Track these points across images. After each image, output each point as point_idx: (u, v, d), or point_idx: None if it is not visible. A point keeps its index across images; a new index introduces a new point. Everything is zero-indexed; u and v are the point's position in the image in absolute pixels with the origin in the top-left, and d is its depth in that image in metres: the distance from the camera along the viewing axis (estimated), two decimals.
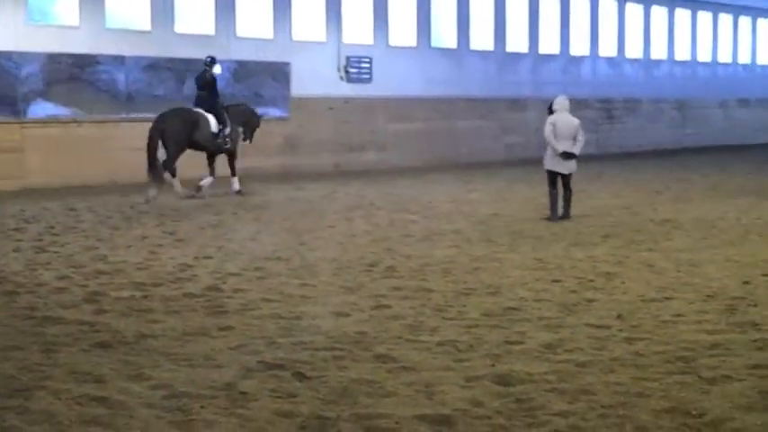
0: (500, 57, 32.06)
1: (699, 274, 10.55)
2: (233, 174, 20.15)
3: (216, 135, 19.46)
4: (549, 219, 15.34)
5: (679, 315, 8.46)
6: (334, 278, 10.44)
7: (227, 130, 19.65)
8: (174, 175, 18.89)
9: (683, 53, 39.45)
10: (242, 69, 25.11)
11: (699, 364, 6.79)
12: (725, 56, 41.68)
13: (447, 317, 8.49)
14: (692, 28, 39.77)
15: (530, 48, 33.01)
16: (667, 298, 9.25)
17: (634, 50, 37.16)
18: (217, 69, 19.88)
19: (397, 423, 5.60)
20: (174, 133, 18.79)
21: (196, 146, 19.44)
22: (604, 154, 32.92)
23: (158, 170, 18.54)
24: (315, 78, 26.60)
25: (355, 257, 11.81)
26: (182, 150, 19.13)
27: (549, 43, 33.75)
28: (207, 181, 19.65)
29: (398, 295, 9.46)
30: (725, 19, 41.39)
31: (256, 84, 25.46)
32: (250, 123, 20.66)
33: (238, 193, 19.82)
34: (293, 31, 26.41)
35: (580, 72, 34.83)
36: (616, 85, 36.11)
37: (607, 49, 36.02)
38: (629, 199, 18.70)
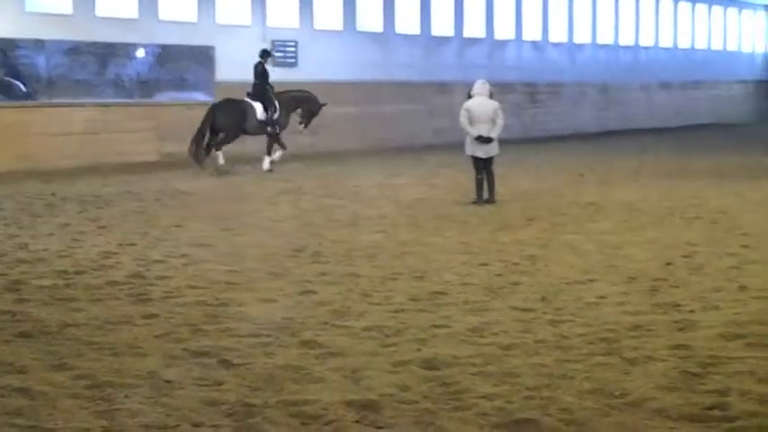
0: (426, 41, 32.12)
1: (621, 256, 10.70)
2: (268, 153, 21.69)
3: (263, 122, 21.56)
4: (474, 203, 15.44)
5: (602, 297, 8.58)
6: (261, 264, 10.38)
7: (276, 116, 21.64)
8: (215, 151, 21.07)
9: (605, 37, 39.94)
10: (165, 53, 24.78)
11: (621, 346, 6.90)
12: (647, 40, 42.29)
13: (373, 302, 8.51)
14: (615, 12, 40.26)
15: (455, 31, 33.13)
16: (591, 280, 9.38)
17: (558, 35, 37.51)
18: (270, 62, 22.29)
19: (323, 409, 5.59)
20: (226, 122, 21.19)
21: (245, 132, 21.69)
22: (529, 137, 33.18)
23: (201, 155, 20.93)
24: (240, 62, 26.27)
25: (282, 243, 11.76)
26: (234, 137, 21.47)
27: (475, 27, 33.91)
28: (277, 154, 21.73)
29: (325, 281, 9.45)
30: (646, 3, 41.98)
31: (180, 68, 25.17)
32: (307, 109, 22.36)
33: (269, 171, 21.22)
34: (217, 15, 26.13)
35: (505, 56, 35.06)
36: (540, 68, 36.41)
37: (531, 33, 36.31)
38: (554, 182, 18.90)
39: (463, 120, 15.37)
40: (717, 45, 46.93)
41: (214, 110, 21.30)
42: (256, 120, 21.48)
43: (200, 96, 25.49)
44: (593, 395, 5.82)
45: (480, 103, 15.35)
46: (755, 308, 8.03)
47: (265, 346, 6.97)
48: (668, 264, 10.16)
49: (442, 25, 32.70)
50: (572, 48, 38.26)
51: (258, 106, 21.46)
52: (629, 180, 19.27)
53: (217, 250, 11.29)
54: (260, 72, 21.74)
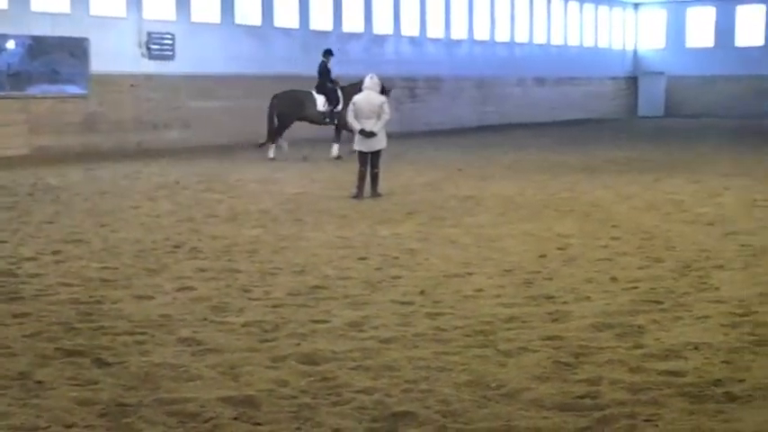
0: (305, 35, 32.02)
1: (498, 249, 10.88)
2: (336, 140, 23.46)
3: (323, 113, 23.53)
4: (354, 197, 15.48)
5: (479, 290, 8.71)
6: (137, 260, 10.21)
7: (339, 108, 23.11)
8: (273, 141, 23.33)
9: (482, 33, 40.49)
10: (37, 45, 24.09)
11: (497, 338, 7.02)
12: (522, 36, 43.04)
13: (253, 297, 8.46)
14: (491, 9, 40.83)
15: (334, 26, 33.13)
16: (468, 273, 9.50)
17: (436, 30, 37.86)
18: (330, 60, 23.95)
19: (201, 406, 5.53)
20: (283, 110, 23.32)
21: (305, 120, 23.74)
22: (408, 132, 33.41)
23: (273, 135, 23.38)
24: (115, 55, 25.83)
25: (159, 238, 11.59)
26: (289, 124, 23.60)
27: (353, 22, 33.97)
28: (335, 149, 23.33)
29: (203, 276, 9.35)
30: (521, 1, 42.70)
31: (53, 60, 24.50)
32: None
33: (338, 158, 22.83)
34: (91, 6, 25.53)
35: (383, 51, 35.22)
36: (418, 63, 36.70)
37: (409, 28, 36.56)
38: (433, 176, 19.08)
39: (349, 114, 15.55)
40: (589, 42, 48.09)
41: (274, 99, 23.41)
42: (316, 110, 23.44)
43: (74, 89, 24.93)
44: (470, 387, 5.90)
45: (367, 98, 15.49)
46: (625, 299, 8.27)
47: (141, 344, 6.85)
48: (542, 256, 10.38)
49: (321, 19, 32.66)
50: (449, 43, 38.66)
51: (320, 98, 23.41)
52: (505, 174, 19.59)
53: (91, 247, 11.05)
54: (321, 70, 23.69)
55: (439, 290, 8.73)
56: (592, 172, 19.79)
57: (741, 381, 5.96)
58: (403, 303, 8.18)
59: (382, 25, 35.24)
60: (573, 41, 46.71)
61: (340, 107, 23.12)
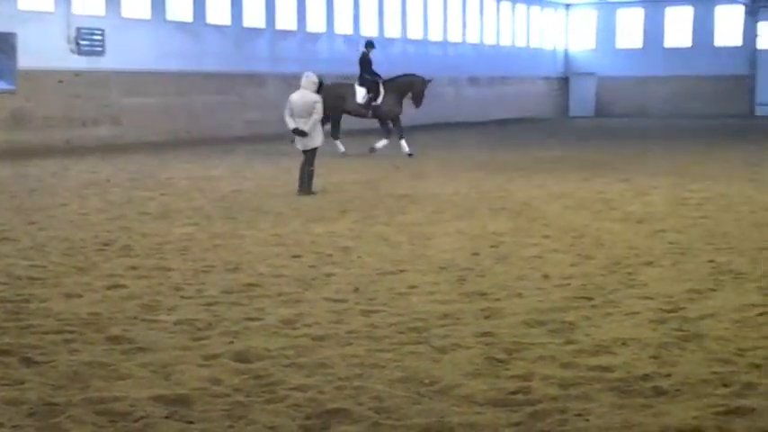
0: (237, 32, 31.84)
1: (432, 246, 10.92)
2: (401, 137, 23.61)
3: (362, 105, 23.62)
4: (298, 192, 15.56)
5: (413, 287, 8.72)
6: (66, 258, 10.05)
7: (379, 100, 23.60)
8: (336, 138, 23.35)
9: (415, 32, 40.60)
10: None
11: (431, 334, 7.03)
12: (455, 36, 43.26)
13: (185, 295, 8.37)
14: (424, 8, 40.99)
15: (267, 23, 32.98)
16: (402, 270, 9.52)
17: (369, 29, 37.88)
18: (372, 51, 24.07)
19: (131, 405, 5.46)
20: (325, 104, 22.65)
21: (347, 113, 23.85)
22: (342, 130, 33.29)
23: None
24: (43, 50, 25.41)
25: (89, 236, 11.43)
26: (332, 117, 22.97)
27: (287, 20, 33.85)
28: (381, 143, 23.64)
29: (134, 274, 9.23)
30: (454, 1, 42.92)
31: None
32: (414, 93, 24.26)
33: (410, 155, 23.02)
34: (19, 1, 25.10)
35: (317, 49, 35.16)
36: (352, 61, 36.59)
37: (343, 26, 36.53)
38: (368, 175, 19.09)
39: (285, 112, 15.59)
40: (521, 42, 48.52)
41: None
42: (355, 102, 23.60)
43: (1, 85, 24.48)
44: (404, 383, 5.91)
45: (301, 97, 15.54)
46: (557, 296, 8.35)
47: (69, 343, 6.75)
48: (475, 254, 10.43)
49: (254, 17, 32.50)
50: (383, 42, 38.62)
51: (361, 91, 23.49)
52: (439, 173, 19.66)
53: (19, 244, 10.85)
54: (361, 61, 23.90)
55: (372, 287, 8.73)
56: (524, 171, 19.95)
57: (668, 375, 6.06)
58: (336, 301, 8.17)
59: (316, 23, 35.16)
60: (505, 41, 47.07)
61: (379, 100, 23.57)
